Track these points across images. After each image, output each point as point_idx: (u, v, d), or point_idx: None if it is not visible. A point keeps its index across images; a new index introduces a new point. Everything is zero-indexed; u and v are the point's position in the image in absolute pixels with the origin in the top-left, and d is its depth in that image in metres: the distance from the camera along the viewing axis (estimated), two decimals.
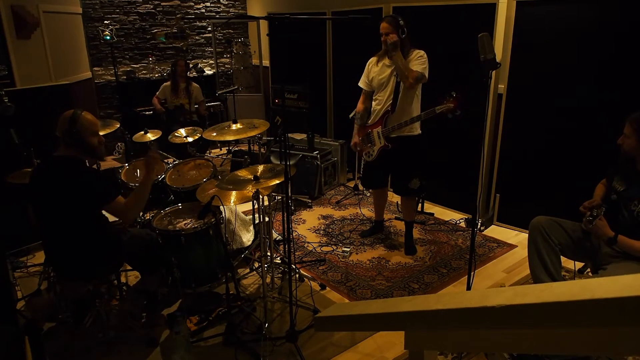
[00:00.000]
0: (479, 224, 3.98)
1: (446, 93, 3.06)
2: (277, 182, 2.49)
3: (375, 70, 3.33)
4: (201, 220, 2.78)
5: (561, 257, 2.61)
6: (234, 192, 2.77)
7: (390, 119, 3.26)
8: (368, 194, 4.80)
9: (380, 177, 3.62)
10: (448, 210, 4.42)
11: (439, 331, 1.15)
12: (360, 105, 3.47)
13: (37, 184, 2.38)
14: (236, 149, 6.17)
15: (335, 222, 4.23)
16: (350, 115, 4.62)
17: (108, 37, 5.87)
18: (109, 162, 5.94)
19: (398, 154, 3.32)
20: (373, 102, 3.39)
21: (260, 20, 6.83)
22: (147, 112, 5.93)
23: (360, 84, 3.45)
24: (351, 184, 5.02)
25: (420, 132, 3.33)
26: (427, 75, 3.14)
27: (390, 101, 3.23)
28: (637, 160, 2.34)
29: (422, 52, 3.15)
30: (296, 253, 3.65)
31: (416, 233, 3.89)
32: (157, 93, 5.39)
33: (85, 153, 2.40)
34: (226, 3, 7.15)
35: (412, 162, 3.38)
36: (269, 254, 3.01)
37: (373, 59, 3.39)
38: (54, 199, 2.34)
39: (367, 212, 4.40)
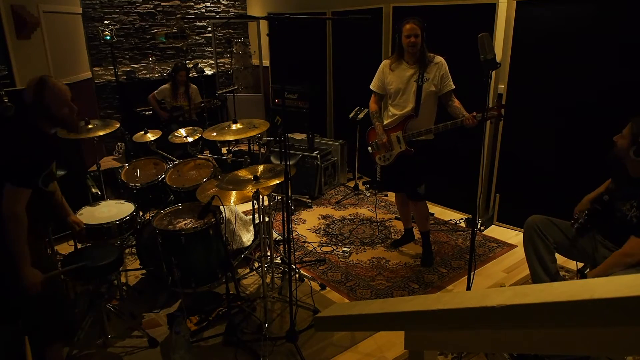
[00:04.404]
0: (479, 224, 3.98)
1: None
2: (277, 182, 2.49)
3: (391, 76, 3.17)
4: (201, 220, 2.78)
5: (561, 256, 2.61)
6: (234, 192, 2.77)
7: (413, 124, 3.15)
8: (368, 194, 4.81)
9: (400, 180, 3.42)
10: (448, 210, 4.42)
11: (439, 331, 1.15)
12: (374, 106, 3.31)
13: None
14: (236, 149, 6.16)
15: (335, 222, 4.23)
16: (351, 116, 4.62)
17: (108, 37, 5.87)
18: (109, 162, 5.94)
19: (415, 157, 3.21)
20: (390, 107, 3.25)
21: (260, 20, 6.83)
22: (147, 112, 5.93)
23: (373, 87, 3.28)
24: (351, 184, 5.02)
25: (433, 136, 3.23)
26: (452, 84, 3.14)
27: (413, 105, 3.11)
28: (625, 162, 2.30)
29: (444, 62, 3.10)
30: (296, 253, 3.65)
31: (416, 233, 3.89)
32: (155, 93, 5.34)
33: (55, 125, 2.15)
34: (226, 3, 7.15)
35: (427, 166, 3.28)
36: (269, 254, 3.01)
37: (386, 62, 3.24)
38: None
39: (367, 212, 4.40)
